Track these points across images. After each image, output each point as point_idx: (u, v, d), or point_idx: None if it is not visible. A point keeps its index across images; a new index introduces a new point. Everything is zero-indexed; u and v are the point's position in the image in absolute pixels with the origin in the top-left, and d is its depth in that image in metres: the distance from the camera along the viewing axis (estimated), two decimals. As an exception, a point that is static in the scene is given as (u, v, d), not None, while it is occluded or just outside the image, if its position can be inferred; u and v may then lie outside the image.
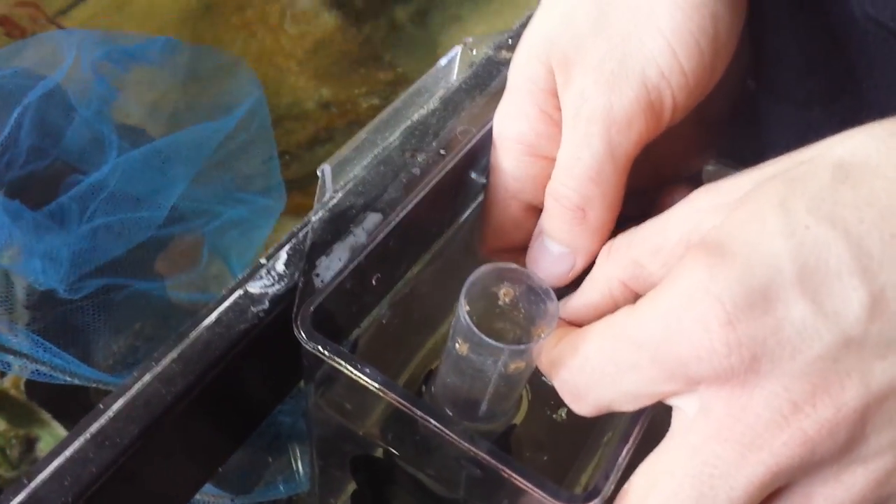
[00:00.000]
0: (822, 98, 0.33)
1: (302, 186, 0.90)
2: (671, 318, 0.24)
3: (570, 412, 0.40)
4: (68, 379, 0.48)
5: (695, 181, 0.39)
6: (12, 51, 0.62)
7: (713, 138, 0.37)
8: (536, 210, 0.35)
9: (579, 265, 0.33)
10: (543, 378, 0.31)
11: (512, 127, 0.33)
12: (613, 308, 0.29)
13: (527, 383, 0.37)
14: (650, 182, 0.35)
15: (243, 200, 0.59)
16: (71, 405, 0.57)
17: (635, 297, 0.28)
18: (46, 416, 0.56)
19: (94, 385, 0.50)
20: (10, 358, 0.46)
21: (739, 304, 0.22)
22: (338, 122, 0.94)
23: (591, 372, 0.27)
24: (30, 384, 0.56)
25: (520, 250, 0.38)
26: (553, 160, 0.33)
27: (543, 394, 0.39)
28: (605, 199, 0.31)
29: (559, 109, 0.32)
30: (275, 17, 0.99)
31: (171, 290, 0.56)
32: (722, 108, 0.35)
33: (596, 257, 0.31)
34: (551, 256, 0.33)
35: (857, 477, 0.23)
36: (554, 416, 0.41)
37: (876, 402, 0.22)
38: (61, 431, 0.56)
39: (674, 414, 0.26)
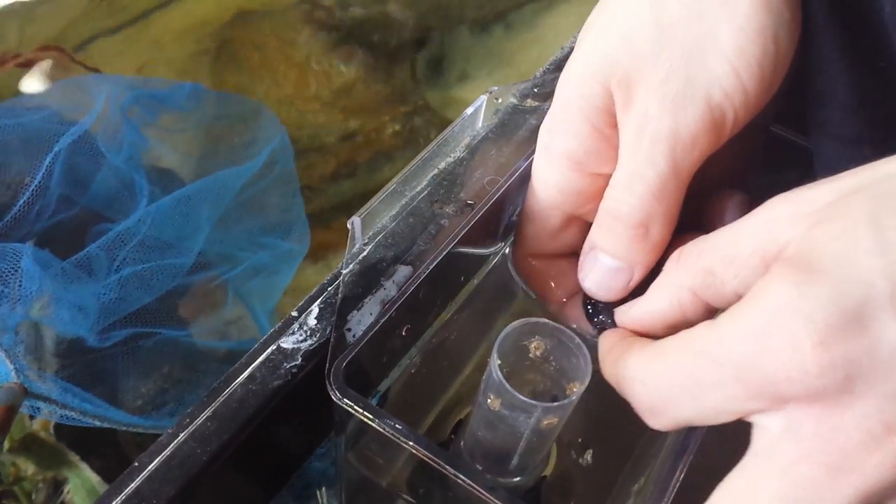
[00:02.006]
0: (871, 136, 0.33)
1: (325, 221, 0.90)
2: (758, 337, 0.23)
3: (595, 455, 0.40)
4: (97, 423, 0.48)
5: (739, 187, 0.39)
6: (43, 94, 0.63)
7: (759, 143, 0.37)
8: (575, 220, 0.36)
9: (636, 279, 0.33)
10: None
11: (561, 142, 0.33)
12: (681, 317, 0.29)
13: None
14: (695, 188, 0.35)
15: (266, 245, 0.60)
16: (100, 447, 0.57)
17: (704, 308, 0.28)
18: (75, 457, 0.56)
19: (124, 428, 0.50)
20: (39, 403, 0.47)
21: (832, 323, 0.22)
22: (362, 154, 0.95)
23: (670, 388, 0.27)
24: (59, 426, 0.57)
25: (552, 258, 0.38)
26: (600, 176, 0.33)
27: (567, 437, 0.39)
28: (667, 216, 0.31)
29: (613, 127, 0.32)
30: (297, 57, 1.01)
31: (196, 336, 0.56)
32: (767, 114, 0.35)
33: (651, 270, 0.32)
34: (608, 271, 0.33)
35: None
36: (580, 460, 0.41)
37: None
38: (89, 474, 0.56)
39: (755, 432, 0.26)
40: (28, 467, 0.57)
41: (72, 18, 1.08)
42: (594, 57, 0.32)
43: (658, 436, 0.38)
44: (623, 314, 0.32)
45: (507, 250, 0.42)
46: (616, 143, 0.32)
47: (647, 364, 0.28)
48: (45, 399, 0.47)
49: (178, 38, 1.04)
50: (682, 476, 0.31)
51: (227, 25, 1.03)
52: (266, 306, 0.59)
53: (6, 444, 0.52)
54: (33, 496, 0.55)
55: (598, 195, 0.33)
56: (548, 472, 0.38)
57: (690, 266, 0.28)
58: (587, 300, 0.36)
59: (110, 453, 0.56)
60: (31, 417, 0.54)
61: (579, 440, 0.40)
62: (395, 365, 0.38)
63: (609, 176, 0.32)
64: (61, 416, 0.48)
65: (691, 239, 0.29)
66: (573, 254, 0.36)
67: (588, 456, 0.41)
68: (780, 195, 0.26)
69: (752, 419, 0.25)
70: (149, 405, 0.55)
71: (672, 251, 0.30)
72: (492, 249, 0.42)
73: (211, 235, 0.59)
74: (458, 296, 0.42)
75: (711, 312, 0.29)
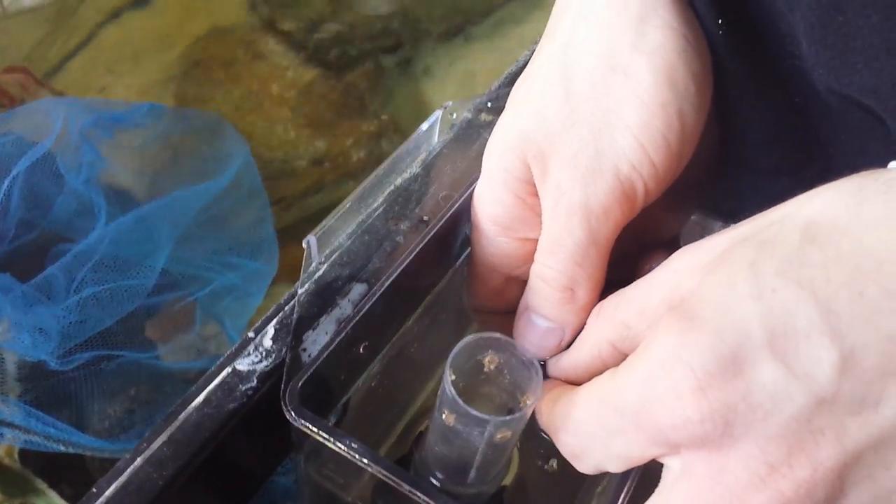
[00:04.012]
0: (789, 168, 0.35)
1: (297, 237, 0.90)
2: (647, 385, 0.25)
3: (560, 462, 0.40)
4: (62, 448, 0.48)
5: (674, 243, 0.40)
6: (2, 119, 0.63)
7: (688, 202, 0.39)
8: (515, 280, 0.37)
9: (567, 338, 0.34)
10: (542, 433, 0.32)
11: (488, 210, 0.35)
12: (602, 368, 0.30)
13: (516, 448, 0.38)
14: (631, 247, 0.36)
15: (235, 266, 0.60)
16: (67, 472, 0.57)
17: (623, 358, 0.29)
18: (42, 484, 0.56)
19: (90, 452, 0.50)
20: (2, 429, 0.46)
21: (710, 369, 0.23)
22: (329, 177, 0.96)
23: (583, 435, 0.28)
24: (24, 452, 0.56)
25: (503, 313, 0.39)
26: (529, 240, 0.34)
27: (534, 446, 0.40)
28: (590, 279, 0.32)
29: (535, 196, 0.33)
30: (262, 72, 1.01)
31: (164, 357, 0.56)
32: (694, 174, 0.36)
33: (580, 329, 0.33)
34: (540, 331, 0.34)
35: None
36: (545, 466, 0.41)
37: (853, 459, 0.23)
38: (57, 500, 0.56)
39: (664, 470, 0.27)
40: (-7, 495, 0.56)
41: (36, 39, 1.07)
42: (512, 132, 0.33)
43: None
44: (552, 365, 0.34)
45: (464, 269, 0.42)
46: (539, 209, 0.33)
47: (565, 413, 0.29)
48: (9, 424, 0.46)
49: (143, 53, 1.04)
50: (637, 475, 0.32)
51: (194, 40, 1.03)
52: (238, 324, 0.59)
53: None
54: (0, 524, 0.55)
55: (530, 257, 0.34)
56: (508, 480, 0.38)
57: (608, 320, 0.30)
58: None
59: (78, 479, 0.56)
60: (-6, 444, 0.54)
61: (543, 450, 0.40)
62: (355, 381, 0.39)
63: (536, 240, 0.34)
64: (25, 442, 0.48)
65: None
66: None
67: (553, 463, 0.41)
68: (683, 247, 0.28)
69: (661, 460, 0.26)
70: (116, 427, 0.55)
71: None
72: (449, 263, 0.43)
73: (177, 254, 0.59)
74: (417, 310, 0.42)
75: None
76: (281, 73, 1.01)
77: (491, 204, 0.34)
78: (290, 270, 0.77)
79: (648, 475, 0.33)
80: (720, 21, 0.31)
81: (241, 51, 1.04)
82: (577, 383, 0.32)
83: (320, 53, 1.06)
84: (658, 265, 0.29)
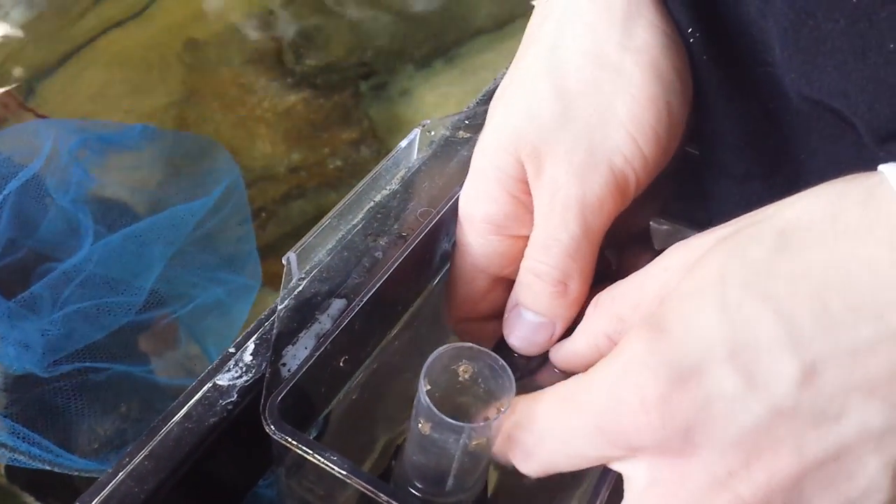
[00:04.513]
0: (760, 173, 0.35)
1: (278, 251, 0.91)
2: (613, 389, 0.26)
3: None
4: (48, 467, 0.48)
5: (644, 236, 0.41)
6: (-9, 139, 0.64)
7: (655, 196, 0.40)
8: (500, 282, 0.37)
9: (558, 333, 0.35)
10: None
11: (480, 208, 0.35)
12: (599, 358, 0.31)
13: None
14: (609, 241, 0.37)
15: (220, 280, 0.61)
16: (56, 489, 0.57)
17: None
18: (30, 498, 0.56)
19: (76, 473, 0.50)
20: (-13, 446, 0.47)
21: (673, 378, 0.24)
22: (308, 184, 0.97)
23: (540, 432, 0.29)
24: (10, 468, 0.57)
25: (483, 319, 0.39)
26: (519, 238, 0.35)
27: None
28: (582, 273, 0.33)
29: (527, 194, 0.34)
30: (252, 100, 1.02)
31: (155, 373, 0.57)
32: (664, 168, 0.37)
33: (572, 322, 0.34)
34: (531, 326, 0.35)
35: None
36: (524, 481, 0.42)
37: (813, 469, 0.23)
38: (44, 515, 0.56)
39: (625, 481, 0.28)
40: (-22, 511, 0.56)
41: (10, 53, 1.08)
42: (504, 131, 0.34)
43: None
44: (554, 352, 0.35)
45: (443, 285, 0.43)
46: (531, 207, 0.34)
47: (528, 410, 0.29)
48: (-6, 442, 0.47)
49: (127, 65, 1.05)
50: (612, 483, 0.33)
51: (177, 54, 1.04)
52: (222, 342, 0.60)
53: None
54: (-11, 541, 0.55)
55: (519, 256, 0.35)
56: (489, 488, 0.39)
57: (605, 312, 0.31)
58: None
59: (67, 495, 0.56)
60: (-21, 461, 0.54)
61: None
62: (336, 395, 0.39)
63: (527, 238, 0.35)
64: (11, 459, 0.48)
65: (608, 284, 0.31)
66: (500, 316, 0.38)
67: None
68: (678, 242, 0.29)
69: (615, 467, 0.27)
70: (106, 447, 0.55)
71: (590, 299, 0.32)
72: (428, 278, 0.44)
73: (166, 273, 0.60)
74: (398, 324, 0.43)
75: None
76: (265, 87, 1.02)
77: (484, 203, 0.35)
78: (269, 283, 0.78)
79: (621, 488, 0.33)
80: (690, 30, 0.32)
81: (224, 67, 1.05)
82: (575, 371, 0.32)
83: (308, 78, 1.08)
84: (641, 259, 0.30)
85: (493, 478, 0.40)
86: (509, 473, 0.41)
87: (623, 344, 0.26)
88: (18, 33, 1.10)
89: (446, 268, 0.43)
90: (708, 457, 0.24)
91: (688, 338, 0.24)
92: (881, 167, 0.24)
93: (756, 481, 0.24)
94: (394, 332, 0.43)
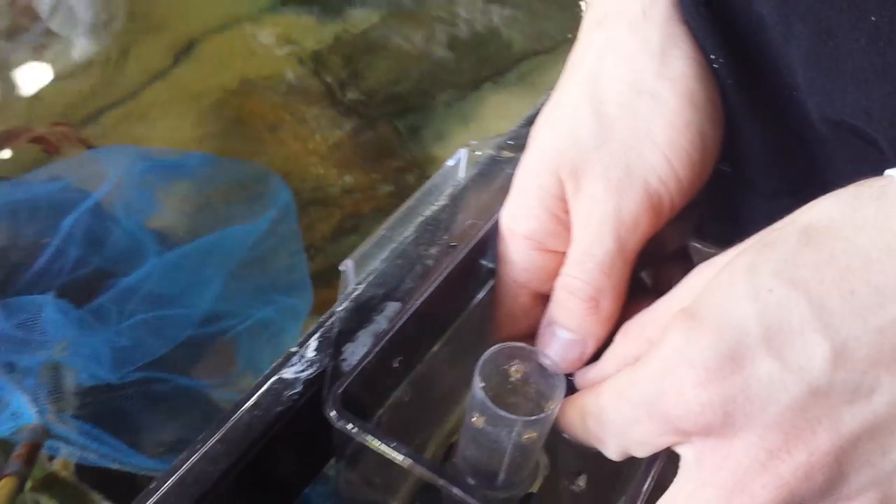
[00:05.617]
0: (788, 189, 0.37)
1: (327, 280, 0.94)
2: (657, 380, 0.27)
3: (588, 481, 0.42)
4: (116, 465, 0.50)
5: (682, 253, 0.43)
6: (61, 167, 0.68)
7: (689, 218, 0.42)
8: (543, 298, 0.39)
9: (590, 351, 0.36)
10: (564, 435, 0.34)
11: (523, 225, 0.37)
12: None
13: (545, 455, 0.40)
14: (639, 260, 0.39)
15: (272, 301, 0.63)
16: (121, 486, 0.59)
17: None
18: (97, 496, 0.58)
19: (142, 472, 0.52)
20: (59, 444, 0.49)
21: (710, 366, 0.26)
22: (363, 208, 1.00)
23: (606, 423, 0.31)
24: (80, 466, 0.59)
25: (526, 338, 0.41)
26: (557, 254, 0.37)
27: (561, 465, 0.42)
28: (615, 290, 0.35)
29: (566, 212, 0.36)
30: (304, 130, 1.07)
31: (213, 390, 0.59)
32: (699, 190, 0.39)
33: (603, 342, 0.35)
34: (564, 343, 0.36)
35: None
36: (572, 486, 0.43)
37: (850, 445, 0.25)
38: (113, 510, 0.58)
39: (680, 461, 0.29)
40: (50, 506, 0.58)
41: (77, 95, 1.14)
42: (547, 151, 0.36)
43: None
44: (580, 376, 0.36)
45: (488, 300, 0.45)
46: (569, 225, 0.36)
47: (594, 402, 0.32)
48: (65, 440, 0.49)
49: (182, 106, 1.10)
50: (652, 484, 0.34)
51: (230, 93, 1.10)
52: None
53: (28, 484, 0.54)
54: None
55: (557, 272, 0.37)
56: (535, 488, 0.40)
57: (635, 338, 0.33)
58: None
59: (132, 493, 0.58)
60: (51, 458, 0.57)
61: (572, 465, 0.42)
62: (389, 396, 0.41)
63: (564, 254, 0.36)
64: (81, 458, 0.50)
65: (644, 304, 0.33)
66: None
67: (581, 482, 0.43)
68: (704, 262, 0.31)
69: (676, 449, 0.29)
70: (169, 453, 0.57)
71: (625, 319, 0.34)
72: (476, 288, 0.46)
73: (222, 292, 0.62)
74: (446, 333, 0.45)
75: None
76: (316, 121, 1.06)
77: (526, 219, 0.37)
78: (318, 311, 0.80)
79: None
80: (713, 56, 0.34)
81: (277, 103, 1.10)
82: None
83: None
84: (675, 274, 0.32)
85: (539, 479, 0.41)
86: (558, 476, 0.42)
87: (663, 337, 0.28)
88: (81, 68, 1.16)
89: (491, 284, 0.45)
90: (748, 439, 0.25)
91: (723, 326, 0.26)
92: (888, 171, 0.26)
93: (796, 461, 0.25)
94: (443, 339, 0.45)
